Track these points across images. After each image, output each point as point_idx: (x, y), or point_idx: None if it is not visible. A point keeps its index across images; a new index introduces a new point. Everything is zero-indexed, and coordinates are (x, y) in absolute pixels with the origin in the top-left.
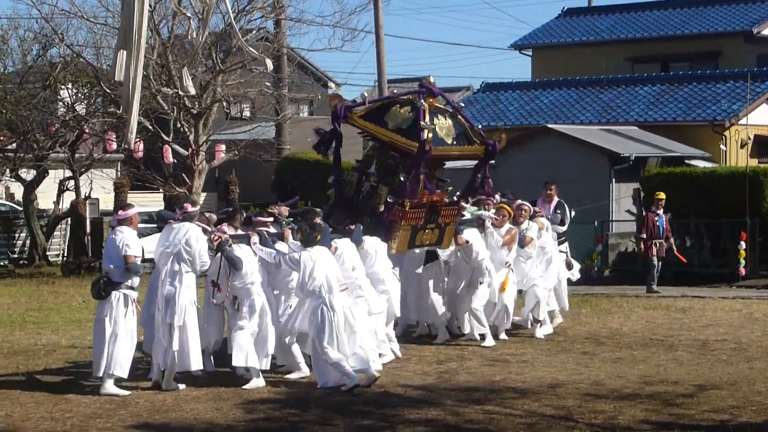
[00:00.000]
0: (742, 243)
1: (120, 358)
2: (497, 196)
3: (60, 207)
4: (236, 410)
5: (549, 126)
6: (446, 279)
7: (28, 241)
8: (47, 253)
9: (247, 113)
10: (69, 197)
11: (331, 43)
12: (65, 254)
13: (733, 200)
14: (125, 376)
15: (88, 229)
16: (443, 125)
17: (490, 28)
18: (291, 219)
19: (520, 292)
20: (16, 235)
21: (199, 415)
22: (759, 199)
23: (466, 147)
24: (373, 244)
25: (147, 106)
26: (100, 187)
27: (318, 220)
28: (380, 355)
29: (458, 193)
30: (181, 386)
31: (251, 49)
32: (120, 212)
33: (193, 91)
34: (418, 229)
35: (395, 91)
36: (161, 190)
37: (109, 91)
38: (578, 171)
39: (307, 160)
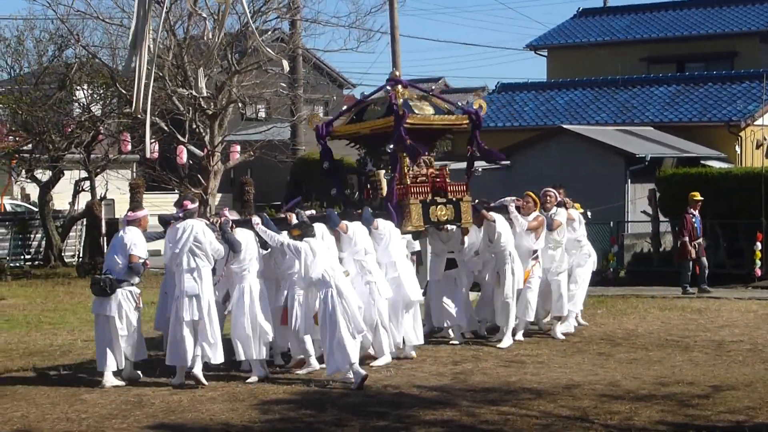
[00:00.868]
0: (758, 244)
1: (131, 349)
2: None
3: (75, 208)
4: (252, 411)
5: (564, 126)
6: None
7: (43, 242)
8: (63, 253)
9: (262, 114)
10: (84, 198)
11: (347, 44)
12: (81, 255)
13: (749, 201)
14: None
15: (103, 230)
16: (420, 106)
17: (506, 28)
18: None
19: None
20: (32, 236)
21: (214, 416)
22: None
23: (447, 116)
24: (386, 226)
25: (162, 107)
26: (116, 188)
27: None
28: (373, 357)
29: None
30: (205, 381)
31: (268, 49)
32: (130, 213)
33: (204, 93)
34: (429, 204)
35: (364, 94)
36: (177, 191)
37: (124, 92)
38: (593, 171)
39: None
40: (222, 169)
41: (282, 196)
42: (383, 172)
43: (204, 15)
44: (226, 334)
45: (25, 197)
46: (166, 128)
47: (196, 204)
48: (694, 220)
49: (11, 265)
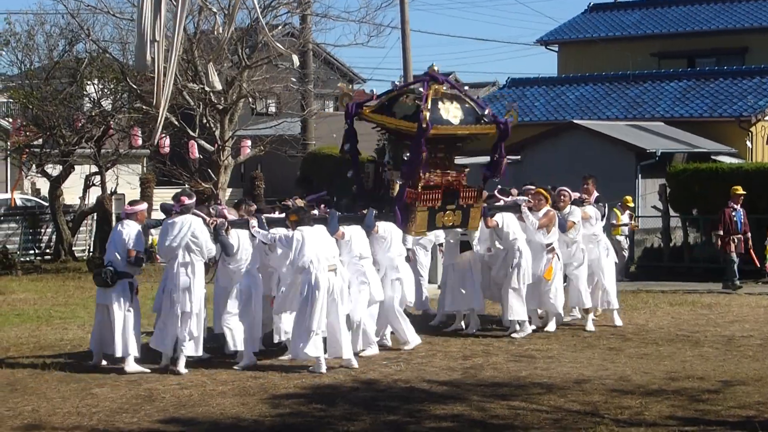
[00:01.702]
0: None
1: (135, 339)
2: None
3: (86, 202)
4: (262, 405)
5: (575, 122)
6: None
7: (54, 237)
8: (73, 248)
9: (272, 109)
10: (95, 193)
11: (357, 39)
12: (91, 249)
13: (760, 196)
14: (138, 355)
15: (113, 225)
16: (449, 108)
17: (516, 23)
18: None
19: (565, 278)
20: (42, 230)
21: (225, 410)
22: None
23: (475, 127)
24: (388, 228)
25: (173, 102)
26: (126, 182)
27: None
28: (364, 350)
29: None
30: (184, 371)
31: (278, 45)
32: (128, 206)
33: (219, 87)
34: (437, 211)
35: (397, 83)
36: (187, 186)
37: (135, 86)
38: (604, 167)
39: (332, 156)
40: (232, 163)
41: (292, 192)
42: (399, 173)
43: (214, 10)
44: (211, 327)
45: (36, 192)
46: (176, 123)
47: (194, 200)
48: (734, 214)
49: (22, 259)
